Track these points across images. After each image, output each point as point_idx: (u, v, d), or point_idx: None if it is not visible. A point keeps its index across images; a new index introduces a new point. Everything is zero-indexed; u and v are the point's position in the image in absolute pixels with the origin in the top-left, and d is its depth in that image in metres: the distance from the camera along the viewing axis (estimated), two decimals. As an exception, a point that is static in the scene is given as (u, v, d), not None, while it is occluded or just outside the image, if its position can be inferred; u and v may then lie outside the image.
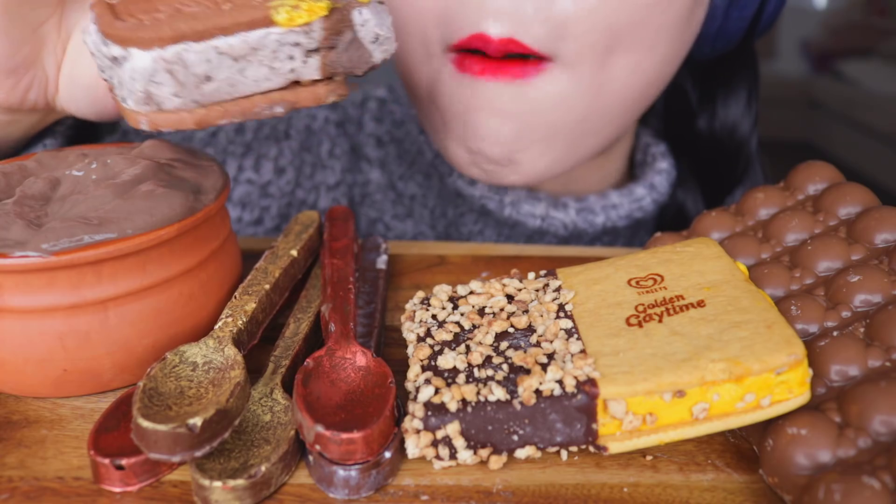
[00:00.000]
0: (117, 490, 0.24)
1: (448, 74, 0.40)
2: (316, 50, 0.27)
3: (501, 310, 0.29)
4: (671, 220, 0.51)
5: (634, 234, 0.50)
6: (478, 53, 0.39)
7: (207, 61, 0.26)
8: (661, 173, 0.49)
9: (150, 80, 0.26)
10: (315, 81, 0.28)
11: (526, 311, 0.29)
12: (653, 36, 0.39)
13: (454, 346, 0.27)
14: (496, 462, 0.25)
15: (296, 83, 0.28)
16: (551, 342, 0.27)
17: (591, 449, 0.25)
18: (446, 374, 0.26)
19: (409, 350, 0.28)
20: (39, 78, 0.34)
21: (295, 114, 0.54)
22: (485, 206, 0.47)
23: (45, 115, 0.37)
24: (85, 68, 0.34)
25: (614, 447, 0.25)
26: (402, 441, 0.25)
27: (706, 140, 0.51)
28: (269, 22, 0.26)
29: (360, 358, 0.27)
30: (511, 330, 0.28)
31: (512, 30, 0.37)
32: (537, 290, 0.30)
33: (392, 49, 0.29)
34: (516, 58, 0.38)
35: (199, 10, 0.27)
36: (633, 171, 0.52)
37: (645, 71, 0.40)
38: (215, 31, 0.26)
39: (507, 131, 0.39)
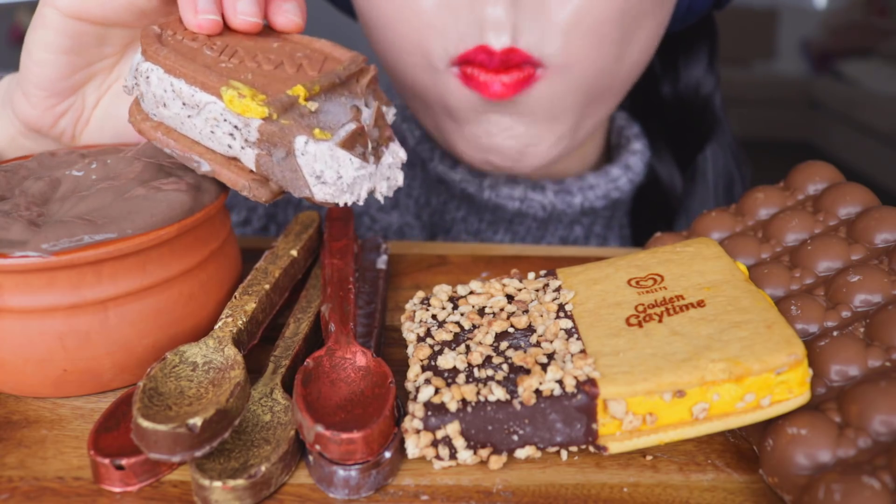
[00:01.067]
0: (117, 490, 0.24)
1: (455, 86, 0.41)
2: (254, 144, 0.28)
3: (501, 310, 0.29)
4: (647, 196, 0.52)
5: (613, 214, 0.51)
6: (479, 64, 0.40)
7: (164, 90, 0.29)
8: (635, 154, 0.51)
9: (133, 74, 0.30)
10: (251, 172, 0.29)
11: (526, 311, 0.29)
12: (637, 23, 0.41)
13: (454, 346, 0.27)
14: (496, 462, 0.25)
15: (235, 160, 0.29)
16: (551, 342, 0.27)
17: (591, 449, 0.25)
18: (446, 374, 0.26)
19: (409, 350, 0.28)
20: (76, 108, 0.35)
21: None
22: (465, 189, 0.48)
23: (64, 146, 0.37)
24: (122, 108, 0.36)
25: (614, 447, 0.25)
26: (402, 441, 0.25)
27: (672, 103, 0.53)
28: (216, 93, 0.28)
29: (360, 358, 0.27)
30: (511, 330, 0.28)
31: (512, 39, 0.38)
32: (537, 290, 0.30)
33: (346, 200, 0.29)
34: (516, 66, 0.39)
35: (204, 56, 0.29)
36: (609, 154, 0.54)
37: (631, 55, 0.42)
38: (179, 72, 0.29)
39: (522, 128, 0.41)
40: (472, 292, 0.30)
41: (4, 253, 0.26)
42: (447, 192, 0.50)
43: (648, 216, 0.52)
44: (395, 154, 0.31)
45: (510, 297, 0.30)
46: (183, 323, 0.30)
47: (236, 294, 0.30)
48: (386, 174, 0.30)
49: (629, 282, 0.29)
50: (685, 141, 0.53)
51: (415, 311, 0.30)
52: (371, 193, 0.30)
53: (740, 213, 0.34)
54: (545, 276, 0.31)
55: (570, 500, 0.24)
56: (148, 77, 0.29)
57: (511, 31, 0.38)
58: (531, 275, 0.31)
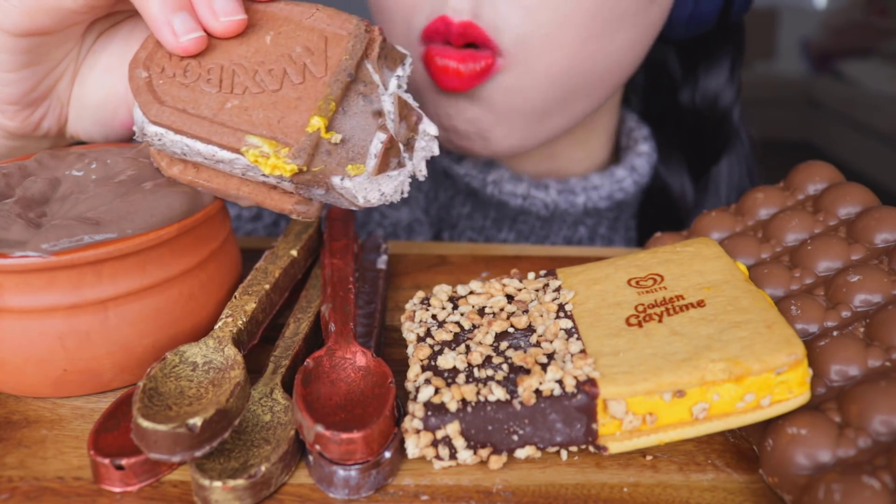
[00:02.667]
0: (117, 490, 0.24)
1: (419, 67, 0.41)
2: (289, 183, 0.28)
3: (501, 310, 0.29)
4: (656, 202, 0.52)
5: (617, 217, 0.51)
6: (441, 45, 0.40)
7: (181, 149, 0.28)
8: (641, 156, 0.50)
9: (141, 135, 0.29)
10: (292, 194, 0.29)
11: (526, 311, 0.29)
12: (609, 23, 0.40)
13: (454, 346, 0.27)
14: (496, 462, 0.25)
15: (276, 187, 0.29)
16: (551, 342, 0.27)
17: (591, 449, 0.25)
18: (446, 374, 0.26)
19: (409, 350, 0.28)
20: (54, 107, 0.35)
21: None
22: (469, 184, 0.48)
23: (56, 141, 0.37)
24: (91, 89, 0.35)
25: (614, 447, 0.25)
26: (402, 441, 0.25)
27: (689, 112, 0.52)
28: (237, 152, 0.27)
29: (360, 358, 0.27)
30: (511, 330, 0.28)
31: (472, 15, 0.38)
32: (537, 290, 0.30)
33: (391, 201, 0.29)
34: (472, 48, 0.39)
35: (206, 97, 0.28)
36: (618, 156, 0.54)
37: (606, 56, 0.41)
38: (191, 135, 0.27)
39: (473, 112, 0.41)
40: (472, 292, 0.30)
41: (4, 253, 0.26)
42: (453, 186, 0.50)
43: (656, 222, 0.51)
44: (425, 133, 0.30)
45: (510, 297, 0.30)
46: (183, 323, 0.30)
47: (236, 294, 0.30)
48: (422, 155, 0.30)
49: (629, 282, 0.29)
50: (700, 151, 0.52)
51: (415, 311, 0.30)
52: (412, 178, 0.30)
53: (740, 213, 0.34)
54: (545, 276, 0.31)
55: (570, 500, 0.24)
56: (161, 139, 0.28)
57: (472, 7, 0.38)
58: (531, 275, 0.31)
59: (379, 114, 0.28)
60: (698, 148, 0.52)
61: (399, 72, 0.31)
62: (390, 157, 0.28)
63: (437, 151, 0.30)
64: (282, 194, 0.29)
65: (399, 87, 0.30)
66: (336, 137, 0.27)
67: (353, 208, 0.29)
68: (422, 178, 0.30)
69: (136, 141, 0.30)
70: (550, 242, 0.50)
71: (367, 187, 0.28)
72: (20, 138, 0.35)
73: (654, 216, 0.52)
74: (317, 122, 0.27)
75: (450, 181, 0.50)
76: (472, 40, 0.39)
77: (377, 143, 0.28)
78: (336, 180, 0.27)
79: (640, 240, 0.52)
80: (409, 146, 0.30)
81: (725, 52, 0.51)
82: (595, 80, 0.42)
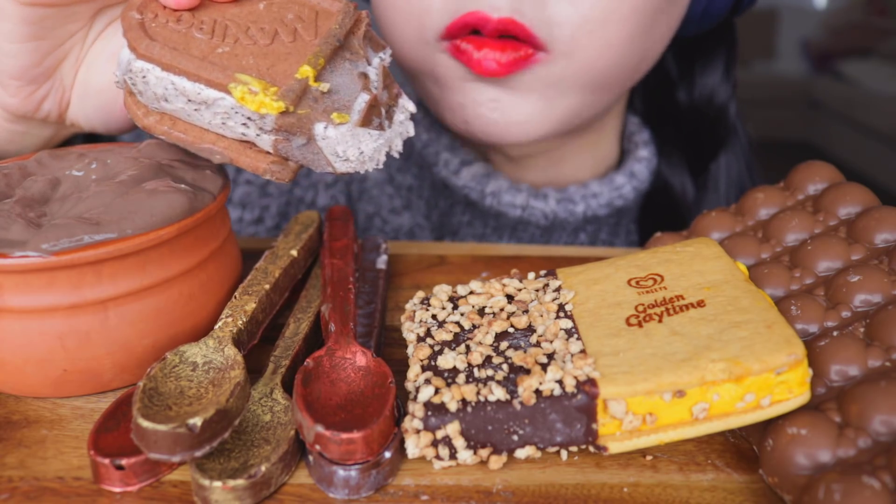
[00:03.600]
0: (117, 490, 0.24)
1: (444, 58, 0.41)
2: (270, 132, 0.28)
3: (501, 310, 0.29)
4: (657, 201, 0.52)
5: (618, 222, 0.51)
6: (473, 35, 0.39)
7: (164, 88, 0.28)
8: (641, 161, 0.50)
9: (124, 72, 0.29)
10: (268, 153, 0.29)
11: (526, 311, 0.29)
12: (651, 20, 0.40)
13: (454, 346, 0.27)
14: (496, 462, 0.25)
15: (251, 143, 0.29)
16: (551, 342, 0.27)
17: (591, 449, 0.25)
18: (446, 374, 0.26)
19: (409, 350, 0.28)
20: (56, 88, 0.34)
21: None
22: (468, 196, 0.48)
23: (57, 131, 0.37)
24: (98, 74, 0.35)
25: (614, 447, 0.25)
26: (402, 441, 0.25)
27: (687, 110, 0.53)
28: (225, 89, 0.27)
29: (360, 358, 0.27)
30: (511, 330, 0.28)
31: (511, 9, 0.38)
32: (537, 290, 0.30)
33: (366, 168, 0.29)
34: (512, 39, 0.39)
35: (197, 41, 0.29)
36: (621, 160, 0.54)
37: (641, 51, 0.42)
38: (179, 70, 0.28)
39: (508, 101, 0.41)
40: (472, 292, 0.30)
41: (4, 253, 0.26)
42: (452, 196, 0.50)
43: (657, 223, 0.52)
44: (405, 109, 0.31)
45: (510, 297, 0.30)
46: (183, 323, 0.30)
47: (236, 294, 0.30)
48: (399, 130, 0.30)
49: (629, 282, 0.29)
50: (699, 149, 0.52)
51: (415, 311, 0.30)
52: (388, 153, 0.30)
53: (740, 213, 0.34)
54: (545, 276, 0.31)
55: (570, 500, 0.24)
56: (145, 77, 0.28)
57: (512, 3, 0.38)
58: (531, 275, 0.31)
59: (364, 76, 0.29)
60: (697, 145, 0.52)
61: (382, 54, 0.31)
62: (373, 116, 0.29)
63: (412, 132, 0.31)
64: (257, 153, 0.29)
65: (382, 62, 0.31)
66: (324, 86, 0.28)
67: (328, 170, 0.29)
68: (396, 155, 0.31)
69: (119, 86, 0.30)
70: None
71: (348, 141, 0.28)
72: (21, 121, 0.35)
73: (656, 216, 0.52)
74: (307, 70, 0.28)
75: (448, 191, 0.50)
76: (511, 34, 0.38)
77: (361, 101, 0.28)
78: (319, 128, 0.27)
79: (642, 241, 0.52)
80: (389, 116, 0.30)
81: (719, 51, 0.52)
82: (625, 75, 0.43)
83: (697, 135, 0.52)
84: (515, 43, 0.38)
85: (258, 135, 0.28)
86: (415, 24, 0.41)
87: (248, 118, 0.28)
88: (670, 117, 0.53)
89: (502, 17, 0.38)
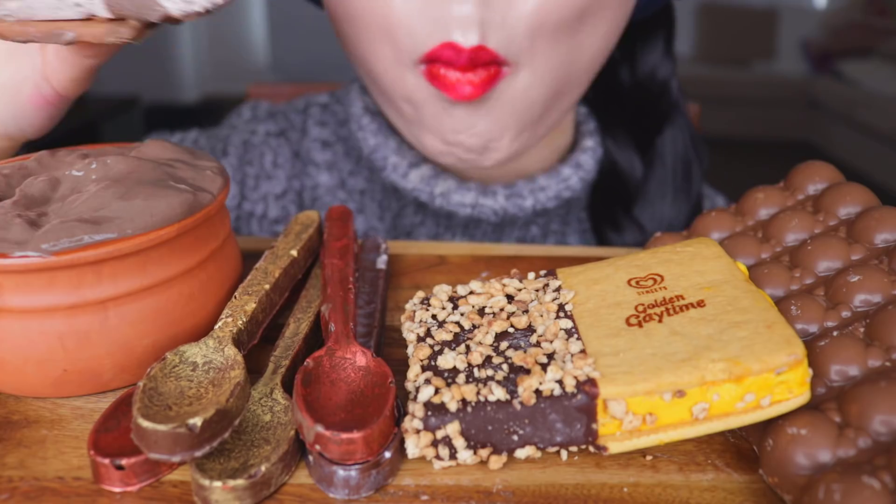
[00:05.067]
0: (117, 490, 0.24)
1: (422, 84, 0.41)
2: None
3: (501, 310, 0.29)
4: (606, 181, 0.53)
5: (568, 212, 0.52)
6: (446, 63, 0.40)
7: None
8: (586, 151, 0.51)
9: None
10: (110, 20, 0.29)
11: (526, 311, 0.29)
12: (597, 17, 0.41)
13: (454, 346, 0.27)
14: (496, 462, 0.25)
15: (92, 18, 0.29)
16: (551, 342, 0.27)
17: (591, 449, 0.25)
18: (446, 374, 0.26)
19: (409, 350, 0.28)
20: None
21: (231, 132, 0.56)
22: (417, 198, 0.49)
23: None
24: None
25: (614, 447, 0.25)
26: (402, 441, 0.25)
27: (630, 88, 0.54)
28: None
29: (360, 358, 0.27)
30: (511, 330, 0.28)
31: (480, 37, 0.39)
32: (537, 290, 0.30)
33: (202, 5, 0.29)
34: (483, 65, 0.40)
35: None
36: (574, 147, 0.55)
37: (593, 46, 0.43)
38: None
39: (483, 125, 0.42)
40: (472, 292, 0.30)
41: (4, 253, 0.26)
42: (403, 199, 0.51)
43: (607, 204, 0.53)
44: None
45: (510, 297, 0.30)
46: (183, 323, 0.30)
47: (236, 294, 0.30)
48: None
49: (629, 282, 0.29)
50: (644, 125, 0.54)
51: (415, 311, 0.30)
52: None
53: (740, 213, 0.34)
54: (545, 276, 0.31)
55: (570, 500, 0.24)
56: None
57: (479, 29, 0.38)
58: (531, 275, 0.31)
59: None
60: (642, 122, 0.54)
61: None
62: None
63: None
64: (98, 22, 0.29)
65: None
66: None
67: (163, 16, 0.29)
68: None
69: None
70: (504, 244, 0.50)
71: None
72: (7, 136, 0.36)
73: (605, 198, 0.53)
74: None
75: (399, 194, 0.50)
76: (482, 63, 0.39)
77: None
78: None
79: (594, 227, 0.53)
80: None
81: (659, 31, 0.54)
82: (584, 72, 0.44)
83: (642, 111, 0.54)
84: (485, 66, 0.39)
85: (91, 1, 0.28)
86: (389, 48, 0.41)
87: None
88: (615, 97, 0.55)
89: (473, 45, 0.38)
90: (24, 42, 0.30)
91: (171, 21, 0.29)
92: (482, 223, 0.49)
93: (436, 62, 0.40)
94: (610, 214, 0.52)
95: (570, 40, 0.41)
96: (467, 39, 0.38)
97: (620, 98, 0.54)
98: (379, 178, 0.51)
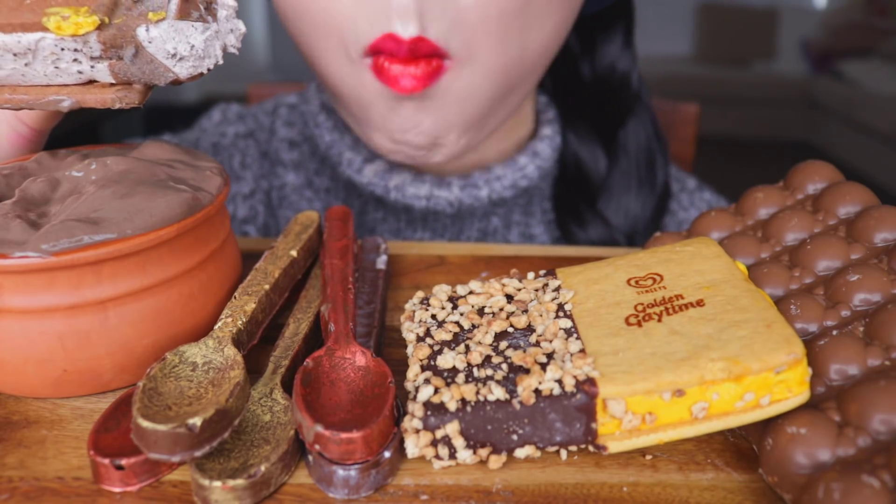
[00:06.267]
0: (117, 490, 0.24)
1: (369, 79, 0.41)
2: (100, 57, 0.28)
3: (501, 309, 0.29)
4: (570, 174, 0.53)
5: (529, 202, 0.52)
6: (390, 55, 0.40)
7: None
8: (543, 140, 0.51)
9: None
10: (112, 84, 0.29)
11: (525, 311, 0.29)
12: (543, 12, 0.42)
13: (454, 345, 0.27)
14: (496, 462, 0.25)
15: (93, 81, 0.29)
16: (551, 342, 0.27)
17: (591, 448, 0.25)
18: (446, 374, 0.26)
19: (409, 350, 0.28)
20: None
21: (201, 135, 0.56)
22: (373, 192, 0.49)
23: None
24: None
25: (614, 446, 0.25)
26: (402, 441, 0.25)
27: (591, 82, 0.55)
28: (41, 27, 0.27)
29: (359, 358, 0.27)
30: (510, 330, 0.28)
31: (420, 28, 0.39)
32: (537, 290, 0.30)
33: (207, 66, 0.29)
34: (424, 56, 0.40)
35: (5, 1, 0.28)
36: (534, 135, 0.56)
37: (540, 42, 0.43)
38: None
39: (429, 122, 0.42)
40: (471, 292, 0.30)
41: (4, 253, 0.26)
42: (361, 195, 0.51)
43: (571, 197, 0.53)
44: (226, 5, 0.31)
45: (510, 297, 0.30)
46: (183, 323, 0.30)
47: (236, 294, 0.30)
48: (228, 27, 0.30)
49: (628, 281, 0.29)
50: (606, 118, 0.54)
51: (414, 311, 0.30)
52: (224, 51, 0.30)
53: (740, 212, 0.34)
54: (545, 275, 0.31)
55: (570, 499, 0.24)
56: None
57: (418, 20, 0.39)
58: (531, 274, 0.31)
59: None
60: (603, 115, 0.54)
61: None
62: (190, 10, 0.29)
63: (244, 29, 0.31)
64: (101, 87, 0.29)
65: None
66: None
67: (171, 77, 0.29)
68: (234, 51, 0.31)
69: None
70: (466, 237, 0.51)
71: (174, 37, 0.28)
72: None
73: (570, 190, 0.53)
74: None
75: (358, 190, 0.51)
76: (422, 55, 0.39)
77: None
78: (142, 32, 0.27)
79: (559, 220, 0.53)
80: (211, 11, 0.30)
81: (619, 24, 0.54)
82: (531, 67, 0.44)
83: (603, 105, 0.54)
84: (425, 59, 0.40)
85: (93, 66, 0.28)
86: (336, 41, 0.41)
87: (75, 50, 0.28)
88: (576, 91, 0.55)
89: (412, 35, 0.39)
90: (17, 109, 0.30)
91: (176, 83, 0.29)
92: (440, 216, 0.50)
93: (379, 54, 0.40)
94: (573, 208, 0.52)
95: (517, 34, 0.41)
96: (406, 30, 0.39)
97: (581, 92, 0.55)
98: (339, 175, 0.52)
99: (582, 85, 0.55)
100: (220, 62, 0.29)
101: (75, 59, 0.28)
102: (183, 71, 0.28)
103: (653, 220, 0.53)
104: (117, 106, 0.29)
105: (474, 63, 0.41)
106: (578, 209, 0.52)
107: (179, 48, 0.28)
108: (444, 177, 0.49)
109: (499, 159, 0.51)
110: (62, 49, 0.27)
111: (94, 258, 0.27)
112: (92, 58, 0.28)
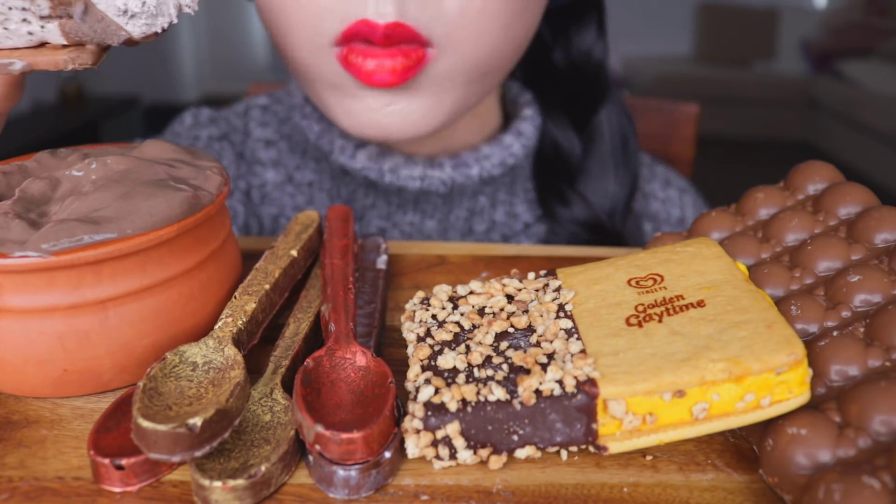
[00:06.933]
0: (117, 490, 0.24)
1: (336, 67, 0.42)
2: (50, 17, 0.27)
3: (501, 310, 0.29)
4: (548, 159, 0.54)
5: (513, 181, 0.53)
6: (363, 44, 0.40)
7: None
8: (526, 120, 0.53)
9: None
10: (65, 46, 0.28)
11: (526, 311, 0.29)
12: (524, 3, 0.43)
13: (454, 346, 0.27)
14: (496, 462, 0.25)
15: (45, 44, 0.28)
16: (551, 342, 0.27)
17: (591, 449, 0.25)
18: (446, 374, 0.26)
19: (409, 350, 0.28)
20: None
21: (174, 139, 0.57)
22: (367, 176, 0.50)
23: None
24: None
25: (614, 447, 0.25)
26: (402, 441, 0.25)
27: (565, 69, 0.56)
28: None
29: (359, 358, 0.27)
30: (511, 330, 0.28)
31: (398, 13, 0.39)
32: (537, 290, 0.30)
33: (161, 25, 0.28)
34: (400, 44, 0.40)
35: None
36: (506, 124, 0.56)
37: (518, 33, 0.44)
38: None
39: (400, 104, 0.43)
40: (472, 292, 0.30)
41: (4, 253, 0.26)
42: (353, 181, 0.52)
43: (550, 178, 0.55)
44: None
45: (510, 297, 0.30)
46: (183, 323, 0.30)
47: (236, 294, 0.30)
48: None
49: (629, 282, 0.29)
50: (580, 105, 0.55)
51: (415, 311, 0.30)
52: (180, 11, 0.29)
53: (740, 213, 0.34)
54: (545, 276, 0.31)
55: (570, 500, 0.24)
56: None
57: (397, 8, 0.39)
58: (531, 275, 0.31)
59: None
60: (578, 103, 0.55)
61: None
62: None
63: None
64: (52, 49, 0.29)
65: None
66: None
67: (124, 35, 0.28)
68: (190, 11, 0.30)
69: None
70: (455, 217, 0.52)
71: None
72: None
73: (549, 172, 0.55)
74: None
75: (349, 177, 0.52)
76: (399, 40, 0.39)
77: None
78: None
79: (541, 198, 0.54)
80: None
81: (591, 14, 0.55)
82: (505, 59, 0.45)
83: (577, 92, 0.56)
84: (405, 49, 0.40)
85: (43, 27, 0.28)
86: (308, 31, 0.41)
87: (23, 9, 0.27)
88: (549, 78, 0.56)
89: (389, 22, 0.39)
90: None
91: (130, 44, 0.28)
92: (432, 196, 0.51)
93: (352, 41, 0.40)
94: (555, 188, 0.54)
95: (495, 29, 0.42)
96: (382, 15, 0.39)
97: (555, 80, 0.56)
98: (327, 165, 0.52)
99: (555, 73, 0.56)
100: (175, 21, 0.29)
101: (24, 20, 0.27)
102: (136, 29, 0.28)
103: (630, 195, 0.55)
104: (70, 67, 0.28)
105: (455, 53, 0.41)
106: (561, 189, 0.54)
107: (130, 4, 0.27)
108: (434, 158, 0.51)
109: (468, 139, 0.52)
110: (10, 8, 0.27)
111: (94, 258, 0.27)
112: (41, 17, 0.27)
